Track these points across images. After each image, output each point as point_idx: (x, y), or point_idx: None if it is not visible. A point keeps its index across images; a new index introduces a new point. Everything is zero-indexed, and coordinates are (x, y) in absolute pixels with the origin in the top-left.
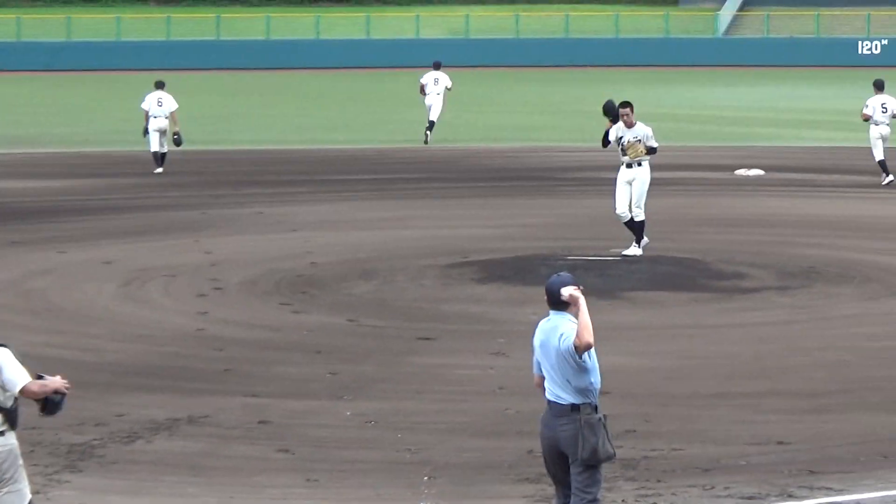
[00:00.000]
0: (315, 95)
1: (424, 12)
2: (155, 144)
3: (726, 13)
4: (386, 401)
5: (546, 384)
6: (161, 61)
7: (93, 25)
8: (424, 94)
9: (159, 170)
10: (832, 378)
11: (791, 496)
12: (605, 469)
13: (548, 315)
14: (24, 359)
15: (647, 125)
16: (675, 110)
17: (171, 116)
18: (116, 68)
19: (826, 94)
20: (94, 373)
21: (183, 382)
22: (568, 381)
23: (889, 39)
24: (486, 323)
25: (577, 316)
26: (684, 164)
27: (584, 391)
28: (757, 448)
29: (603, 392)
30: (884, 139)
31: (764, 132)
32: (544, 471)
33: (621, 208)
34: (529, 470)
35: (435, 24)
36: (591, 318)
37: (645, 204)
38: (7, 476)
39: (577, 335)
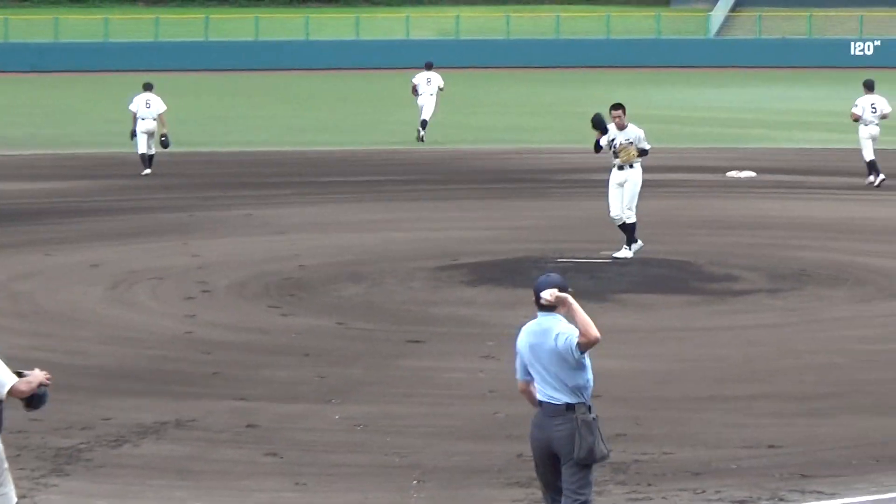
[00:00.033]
0: (304, 97)
1: (414, 13)
2: (143, 146)
3: (718, 14)
4: (374, 404)
5: (537, 386)
6: (149, 62)
7: (80, 26)
8: (417, 95)
9: (147, 171)
10: (824, 381)
11: (782, 500)
12: (596, 473)
13: (534, 317)
14: (10, 362)
15: (639, 127)
16: (667, 111)
17: (160, 118)
18: (104, 69)
19: (818, 95)
20: (82, 376)
21: (170, 386)
22: (563, 380)
23: (882, 40)
24: (475, 326)
25: (567, 316)
26: (676, 165)
27: (579, 390)
28: (748, 451)
29: (593, 395)
30: (873, 139)
31: (756, 133)
32: (534, 475)
33: (615, 211)
34: (519, 474)
35: (425, 25)
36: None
37: (636, 206)
38: None
39: (583, 333)
